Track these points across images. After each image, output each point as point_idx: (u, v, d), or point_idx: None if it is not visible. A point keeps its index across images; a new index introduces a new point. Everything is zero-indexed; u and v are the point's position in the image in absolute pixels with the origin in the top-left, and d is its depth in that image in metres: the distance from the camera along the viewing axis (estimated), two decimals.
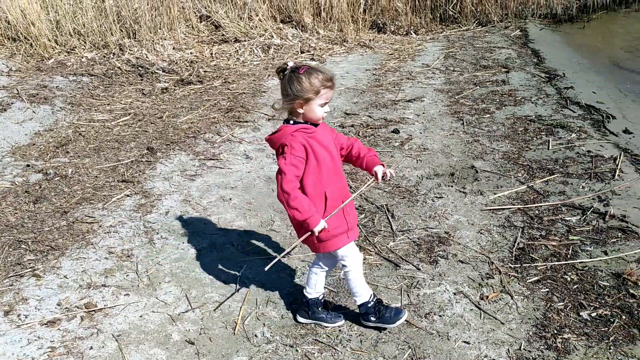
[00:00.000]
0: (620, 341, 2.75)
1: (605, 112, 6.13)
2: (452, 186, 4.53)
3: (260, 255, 3.61)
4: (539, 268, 3.39)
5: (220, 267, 3.50)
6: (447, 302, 3.10)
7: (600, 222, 3.86)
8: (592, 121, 5.85)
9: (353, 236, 2.78)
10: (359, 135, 5.68)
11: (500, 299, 3.11)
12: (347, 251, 2.74)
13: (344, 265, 2.79)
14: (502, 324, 2.91)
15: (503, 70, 8.09)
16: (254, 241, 3.78)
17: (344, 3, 10.57)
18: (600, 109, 6.22)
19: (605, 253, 3.50)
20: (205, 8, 9.85)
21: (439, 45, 10.07)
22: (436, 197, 4.34)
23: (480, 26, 11.72)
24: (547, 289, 3.18)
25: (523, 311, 3.01)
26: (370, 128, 5.87)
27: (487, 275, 3.34)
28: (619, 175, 4.52)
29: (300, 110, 2.53)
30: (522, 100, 6.63)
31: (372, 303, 2.85)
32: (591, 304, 3.03)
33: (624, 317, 2.91)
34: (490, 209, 4.13)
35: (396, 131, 5.75)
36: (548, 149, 5.15)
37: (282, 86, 2.52)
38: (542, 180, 4.54)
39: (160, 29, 8.94)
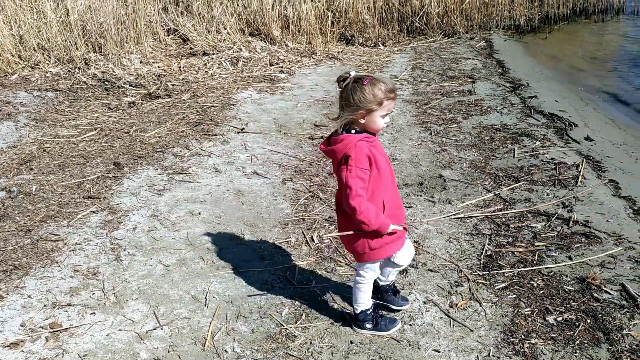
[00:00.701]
0: (586, 345, 2.80)
1: (567, 120, 6.28)
2: (420, 195, 4.58)
3: (230, 270, 3.58)
4: (506, 274, 3.44)
5: (189, 282, 3.45)
6: (417, 311, 3.12)
7: (564, 227, 3.94)
8: (555, 129, 5.99)
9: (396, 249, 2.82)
10: None
11: (469, 307, 3.15)
12: (377, 264, 2.84)
13: (362, 276, 2.83)
14: (471, 331, 2.94)
15: (469, 80, 8.24)
16: (223, 255, 3.75)
17: (312, 16, 10.65)
18: (563, 117, 6.37)
19: (570, 258, 3.57)
20: (173, 21, 9.80)
21: (407, 57, 10.21)
22: (405, 206, 4.37)
23: (446, 37, 11.92)
24: (515, 295, 3.23)
25: (491, 318, 3.05)
26: None
27: (456, 283, 3.37)
28: (581, 181, 4.63)
29: (362, 121, 2.53)
30: (488, 109, 6.76)
31: (370, 310, 2.91)
32: (557, 309, 3.09)
33: (588, 320, 2.97)
34: (458, 218, 4.18)
35: None
36: (513, 157, 5.26)
37: (344, 96, 2.51)
38: (509, 188, 4.62)
39: (126, 42, 8.85)
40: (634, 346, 2.76)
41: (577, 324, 2.94)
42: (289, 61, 9.40)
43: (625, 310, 3.04)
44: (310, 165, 5.25)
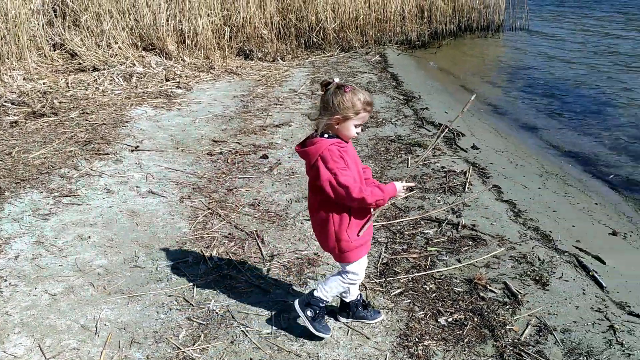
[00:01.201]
0: (474, 342, 2.96)
1: (456, 130, 6.65)
2: None
3: (123, 295, 3.42)
4: (401, 280, 3.56)
5: (78, 311, 3.25)
6: None
7: (454, 232, 4.16)
8: (444, 139, 6.32)
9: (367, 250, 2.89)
10: (227, 162, 5.63)
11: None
12: (359, 264, 2.85)
13: (346, 274, 2.86)
14: (368, 338, 3.00)
15: None
16: (116, 280, 3.57)
17: (209, 30, 10.54)
18: (452, 128, 6.73)
19: (459, 261, 3.77)
20: (59, 36, 9.29)
21: (305, 71, 10.36)
22: (305, 219, 4.41)
23: (343, 52, 12.25)
24: (409, 300, 3.35)
25: (388, 324, 3.14)
26: (239, 154, 5.85)
27: None
28: (468, 187, 4.91)
29: (337, 126, 2.58)
30: (384, 121, 7.01)
31: (322, 304, 2.92)
32: (448, 310, 3.24)
33: (475, 319, 3.14)
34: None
35: (265, 156, 5.79)
36: (407, 166, 5.48)
37: (325, 99, 2.57)
38: (404, 196, 4.80)
39: (8, 58, 8.26)
40: (515, 340, 2.95)
41: (465, 323, 3.10)
42: (186, 76, 9.22)
43: (507, 306, 3.25)
44: (209, 182, 5.15)
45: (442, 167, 5.40)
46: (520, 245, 3.94)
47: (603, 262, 3.79)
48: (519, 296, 3.32)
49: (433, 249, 3.94)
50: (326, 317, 3.07)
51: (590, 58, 11.36)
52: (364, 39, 12.79)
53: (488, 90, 9.37)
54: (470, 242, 4.01)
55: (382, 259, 3.81)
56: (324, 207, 2.71)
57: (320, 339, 2.96)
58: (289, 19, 12.01)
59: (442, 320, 3.14)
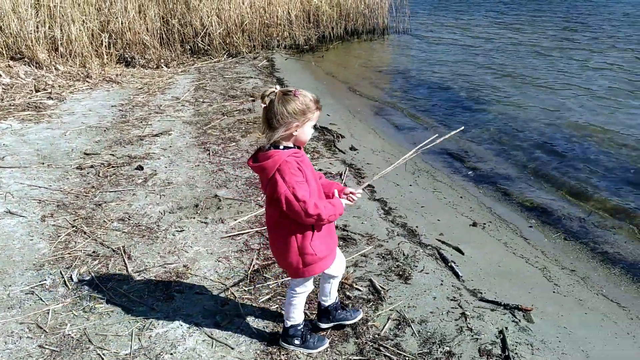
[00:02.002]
0: (336, 341, 3.01)
1: (336, 132, 6.79)
2: (194, 218, 4.53)
3: None
4: (271, 286, 3.55)
5: None
6: (180, 338, 3.06)
7: None
8: (325, 141, 6.43)
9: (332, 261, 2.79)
10: (99, 175, 5.37)
11: (233, 324, 3.18)
12: (311, 280, 2.76)
13: (295, 291, 2.78)
14: (232, 348, 2.97)
15: (250, 99, 8.47)
16: None
17: (85, 37, 10.03)
18: (332, 130, 6.88)
19: None
20: None
21: (190, 78, 10.15)
22: (177, 231, 4.29)
23: (231, 57, 12.16)
24: (277, 306, 3.35)
25: (254, 332, 3.11)
26: (112, 167, 5.59)
27: (223, 303, 3.39)
28: None
29: (295, 133, 2.46)
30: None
31: (300, 326, 2.88)
32: (314, 312, 3.27)
33: None
34: (229, 236, 4.22)
35: (140, 167, 5.58)
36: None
37: (275, 110, 2.39)
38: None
39: None
40: (375, 335, 3.04)
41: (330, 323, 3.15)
42: (59, 86, 8.70)
43: (371, 303, 3.34)
44: (76, 198, 4.88)
45: (320, 170, 5.48)
46: (387, 242, 4.07)
47: (462, 253, 4.02)
48: (382, 292, 3.43)
49: None
50: (310, 330, 3.03)
51: (467, 59, 12.08)
52: (252, 44, 12.78)
53: (371, 92, 9.68)
54: (342, 242, 4.08)
55: (254, 266, 3.79)
56: (284, 222, 2.57)
57: (324, 348, 2.94)
58: (172, 25, 11.72)
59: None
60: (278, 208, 2.52)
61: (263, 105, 2.45)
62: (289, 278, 3.60)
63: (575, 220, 4.80)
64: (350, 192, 2.76)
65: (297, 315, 2.89)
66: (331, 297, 3.00)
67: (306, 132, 2.52)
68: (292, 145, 2.53)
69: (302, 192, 2.44)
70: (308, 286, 2.83)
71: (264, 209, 4.66)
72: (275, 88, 2.45)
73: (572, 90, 9.04)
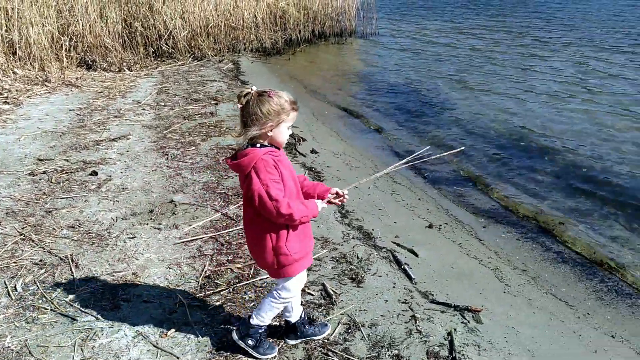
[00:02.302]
0: (285, 347, 2.97)
1: (297, 135, 6.76)
2: (147, 224, 4.45)
3: None
4: (222, 293, 3.50)
5: None
6: (125, 348, 2.98)
7: None
8: (286, 144, 6.38)
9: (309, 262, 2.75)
10: (51, 181, 5.23)
11: (180, 332, 3.11)
12: (296, 285, 2.72)
13: (278, 294, 2.72)
14: (178, 358, 2.90)
15: (213, 102, 8.39)
16: None
17: (44, 40, 9.80)
18: (294, 133, 6.83)
19: None
20: None
21: (153, 81, 10.02)
22: (129, 237, 4.20)
23: (196, 60, 12.04)
24: (226, 313, 3.30)
25: (202, 340, 3.05)
26: (66, 172, 5.46)
27: (171, 311, 3.32)
28: None
29: (270, 134, 2.46)
30: (227, 130, 6.94)
31: (262, 330, 2.83)
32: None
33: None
34: (183, 242, 4.15)
35: (94, 173, 5.46)
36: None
37: (249, 111, 2.41)
38: (236, 205, 4.76)
39: None
40: (325, 340, 3.01)
41: (279, 329, 3.11)
42: (16, 90, 8.50)
43: (322, 308, 3.31)
44: (26, 205, 4.74)
45: None
46: (342, 245, 4.06)
47: (416, 255, 4.02)
48: (334, 296, 3.40)
49: None
50: (269, 339, 2.97)
51: (429, 64, 12.19)
52: (218, 47, 12.67)
53: (335, 96, 9.68)
54: None
55: (206, 272, 3.72)
56: (259, 221, 2.55)
57: (272, 356, 2.88)
58: (134, 27, 11.56)
59: None
60: (253, 207, 2.50)
61: (239, 106, 2.47)
62: (241, 284, 3.59)
63: (528, 221, 4.86)
64: (337, 193, 2.74)
65: (267, 318, 2.83)
66: (294, 312, 2.94)
67: (282, 133, 2.52)
68: (268, 145, 2.52)
69: (275, 191, 2.43)
70: (293, 291, 2.76)
71: (219, 214, 4.61)
72: (252, 89, 2.45)
73: (525, 94, 9.20)
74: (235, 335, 2.85)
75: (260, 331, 2.85)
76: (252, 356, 2.86)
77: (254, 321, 2.81)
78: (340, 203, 2.79)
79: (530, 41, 14.26)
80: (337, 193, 2.74)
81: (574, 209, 5.06)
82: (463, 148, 3.43)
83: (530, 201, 5.24)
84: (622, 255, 4.24)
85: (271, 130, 2.47)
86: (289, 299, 2.78)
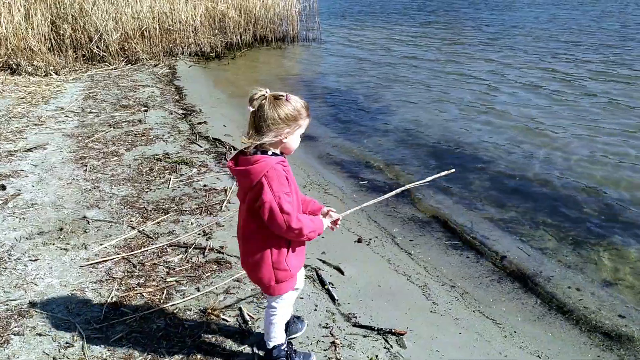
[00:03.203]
0: None
1: (228, 144, 6.48)
2: (54, 244, 4.07)
3: None
4: (127, 322, 3.19)
5: None
6: None
7: (200, 257, 3.91)
8: (215, 154, 6.10)
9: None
10: None
11: None
12: (289, 294, 2.59)
13: (274, 308, 2.58)
14: None
15: (143, 109, 8.00)
16: None
17: None
18: (225, 142, 6.56)
19: (198, 289, 3.51)
20: None
21: (82, 86, 9.52)
22: (30, 260, 3.83)
23: (130, 64, 11.55)
24: (130, 345, 3.00)
25: None
26: None
27: (67, 345, 2.99)
28: (226, 206, 4.72)
29: (285, 140, 2.31)
30: (154, 139, 6.59)
31: (284, 346, 2.69)
32: (171, 350, 2.94)
33: (199, 356, 2.89)
34: (90, 264, 3.81)
35: (2, 187, 5.03)
36: (168, 187, 5.13)
37: (266, 115, 2.22)
38: (155, 222, 4.45)
39: None
40: None
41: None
42: None
43: (237, 336, 3.06)
44: None
45: (204, 186, 5.16)
46: None
47: (342, 273, 3.83)
48: (250, 322, 3.16)
49: (173, 279, 3.64)
50: (294, 347, 2.84)
51: (368, 70, 12.13)
52: (153, 50, 12.22)
53: None
54: (215, 267, 3.79)
55: (112, 299, 3.40)
56: (261, 234, 2.39)
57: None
58: (63, 30, 10.97)
59: None
60: (256, 218, 2.35)
61: (251, 109, 2.28)
62: (150, 311, 3.29)
63: (459, 234, 4.76)
64: (330, 211, 2.66)
65: (278, 334, 2.68)
66: (275, 337, 2.75)
67: (296, 140, 2.40)
68: (279, 153, 2.38)
69: (287, 205, 2.30)
70: (286, 299, 2.61)
71: (135, 232, 4.28)
72: (266, 91, 2.29)
73: (457, 103, 9.25)
74: None
75: (282, 348, 2.71)
76: None
77: (270, 345, 2.70)
78: (333, 229, 2.71)
79: (460, 49, 14.46)
80: (329, 213, 2.67)
81: (505, 219, 5.00)
82: (453, 170, 3.29)
83: (462, 212, 5.15)
84: (550, 268, 4.19)
85: (286, 137, 2.32)
86: (286, 306, 2.66)
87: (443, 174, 3.20)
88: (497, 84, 10.25)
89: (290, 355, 2.74)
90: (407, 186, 3.34)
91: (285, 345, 2.73)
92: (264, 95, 2.27)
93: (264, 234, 2.39)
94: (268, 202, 2.27)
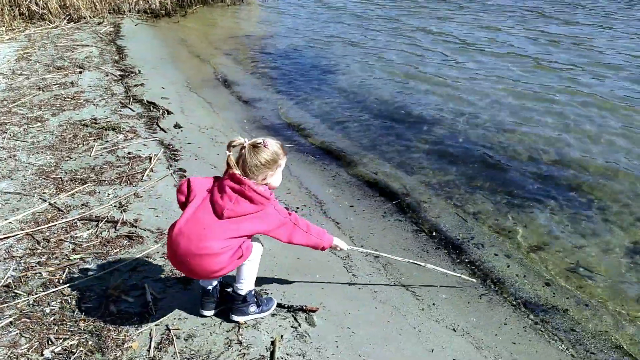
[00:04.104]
0: None
1: (163, 107, 6.16)
2: None
3: None
4: (19, 305, 2.96)
5: None
6: None
7: (111, 232, 3.67)
8: (147, 119, 5.79)
9: None
10: None
11: None
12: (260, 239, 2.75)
13: (251, 260, 2.68)
14: None
15: (78, 70, 7.56)
16: None
17: None
18: (160, 105, 6.23)
19: (103, 267, 3.29)
20: None
21: (16, 46, 8.96)
22: None
23: (72, 22, 10.95)
24: (18, 331, 2.77)
25: None
26: None
27: None
28: (147, 175, 4.46)
29: (269, 180, 2.57)
30: (84, 102, 6.22)
31: (254, 291, 2.80)
32: (61, 336, 2.73)
33: (90, 342, 2.69)
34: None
35: None
36: (90, 155, 4.83)
37: (249, 162, 2.48)
38: (69, 193, 4.17)
39: None
40: None
41: (75, 350, 2.64)
42: None
43: (135, 318, 2.86)
44: None
45: (129, 153, 4.88)
46: None
47: (262, 245, 3.62)
48: (150, 304, 2.95)
49: (77, 256, 3.40)
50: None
51: (323, 29, 11.74)
52: (98, 7, 11.58)
53: (219, 62, 9.06)
54: (125, 242, 3.56)
55: (6, 280, 3.16)
56: (233, 246, 2.54)
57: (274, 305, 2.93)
58: None
59: (47, 353, 2.63)
60: (241, 235, 2.54)
61: (228, 153, 2.48)
62: (46, 292, 3.06)
63: (393, 199, 4.60)
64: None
65: (251, 280, 2.77)
66: (247, 283, 2.81)
67: (279, 178, 2.64)
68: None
69: (291, 224, 2.70)
70: (256, 252, 2.72)
71: (45, 205, 4.00)
72: (245, 140, 2.49)
73: (418, 63, 9.00)
74: (236, 316, 2.79)
75: (253, 294, 2.79)
76: (260, 317, 2.84)
77: (244, 292, 2.75)
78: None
79: (429, 6, 14.11)
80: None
81: (441, 184, 4.85)
82: (463, 275, 3.30)
83: (398, 177, 4.98)
84: (481, 233, 4.07)
85: (270, 177, 2.58)
86: (258, 254, 2.75)
87: (452, 273, 3.46)
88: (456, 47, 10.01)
89: (259, 299, 2.86)
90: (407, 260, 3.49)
91: (254, 290, 2.82)
92: (242, 143, 2.49)
93: (236, 244, 2.56)
94: (282, 220, 2.68)
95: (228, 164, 2.51)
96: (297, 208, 4.32)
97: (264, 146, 2.49)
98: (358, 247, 3.58)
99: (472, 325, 3.08)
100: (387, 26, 11.58)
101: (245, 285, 2.75)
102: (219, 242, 2.49)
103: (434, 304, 3.25)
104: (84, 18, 11.09)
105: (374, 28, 11.44)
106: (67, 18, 10.96)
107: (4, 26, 10.18)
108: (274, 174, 2.58)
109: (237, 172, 2.48)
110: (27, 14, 10.79)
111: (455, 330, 3.02)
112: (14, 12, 10.64)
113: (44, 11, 10.77)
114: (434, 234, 4.11)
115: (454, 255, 3.85)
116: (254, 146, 2.48)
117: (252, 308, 2.80)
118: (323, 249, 2.89)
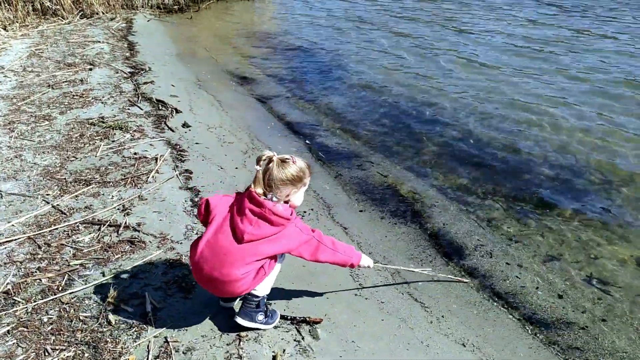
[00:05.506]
0: None
1: (172, 106, 6.08)
2: None
3: None
4: (17, 313, 2.90)
5: None
6: None
7: (113, 236, 3.60)
8: (155, 118, 5.72)
9: None
10: None
11: None
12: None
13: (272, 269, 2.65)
14: None
15: (88, 67, 7.52)
16: None
17: None
18: (169, 103, 6.16)
19: (103, 274, 3.22)
20: None
21: (29, 42, 8.95)
22: None
23: (85, 18, 10.93)
24: (15, 340, 2.71)
25: None
26: None
27: None
28: (153, 177, 4.38)
29: (292, 197, 2.56)
30: (93, 100, 6.17)
31: (265, 300, 2.74)
32: (58, 347, 2.67)
33: (87, 354, 2.62)
34: None
35: None
36: (96, 155, 4.77)
37: (275, 176, 2.46)
38: (73, 195, 4.11)
39: None
40: None
41: None
42: None
43: (134, 329, 2.79)
44: None
45: (135, 154, 4.81)
46: (181, 244, 3.52)
47: None
48: (150, 314, 2.88)
49: (78, 262, 3.34)
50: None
51: (341, 25, 11.59)
52: (112, 3, 11.56)
53: (231, 59, 8.96)
54: (127, 247, 3.48)
55: (5, 286, 3.10)
56: (255, 267, 2.56)
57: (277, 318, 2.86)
58: None
59: None
60: (261, 258, 2.53)
61: (258, 168, 2.48)
62: (45, 300, 3.00)
63: (403, 204, 4.47)
64: None
65: (268, 287, 2.71)
66: (264, 288, 2.76)
67: (301, 197, 2.63)
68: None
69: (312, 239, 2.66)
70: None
71: (48, 207, 3.95)
72: (274, 154, 2.48)
73: (438, 64, 8.82)
74: (244, 321, 2.69)
75: (265, 302, 2.75)
76: (263, 329, 2.77)
77: (259, 296, 2.69)
78: None
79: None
80: None
81: (453, 187, 4.71)
82: (468, 281, 3.37)
83: (410, 180, 4.85)
84: (492, 241, 3.93)
85: (294, 195, 2.56)
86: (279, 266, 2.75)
87: (454, 279, 3.43)
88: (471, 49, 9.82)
89: (268, 310, 2.83)
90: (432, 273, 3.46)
91: (265, 299, 2.77)
92: (271, 157, 2.47)
93: (259, 266, 2.57)
94: (304, 240, 2.65)
95: (255, 177, 2.50)
96: (304, 212, 4.21)
97: (293, 162, 2.49)
98: (383, 264, 3.49)
99: (483, 340, 2.96)
100: (402, 27, 11.39)
101: (262, 288, 2.69)
102: (241, 268, 2.50)
103: (442, 317, 3.12)
104: (97, 14, 11.06)
105: (389, 28, 11.27)
106: (80, 14, 10.93)
107: (17, 22, 10.17)
108: (297, 192, 2.57)
109: (260, 190, 2.48)
110: (40, 10, 10.78)
111: (464, 346, 2.90)
112: (27, 7, 10.63)
113: (57, 7, 10.76)
114: (444, 241, 3.98)
115: (464, 264, 3.73)
116: (283, 161, 2.48)
117: (260, 316, 2.74)
118: (352, 266, 2.83)
